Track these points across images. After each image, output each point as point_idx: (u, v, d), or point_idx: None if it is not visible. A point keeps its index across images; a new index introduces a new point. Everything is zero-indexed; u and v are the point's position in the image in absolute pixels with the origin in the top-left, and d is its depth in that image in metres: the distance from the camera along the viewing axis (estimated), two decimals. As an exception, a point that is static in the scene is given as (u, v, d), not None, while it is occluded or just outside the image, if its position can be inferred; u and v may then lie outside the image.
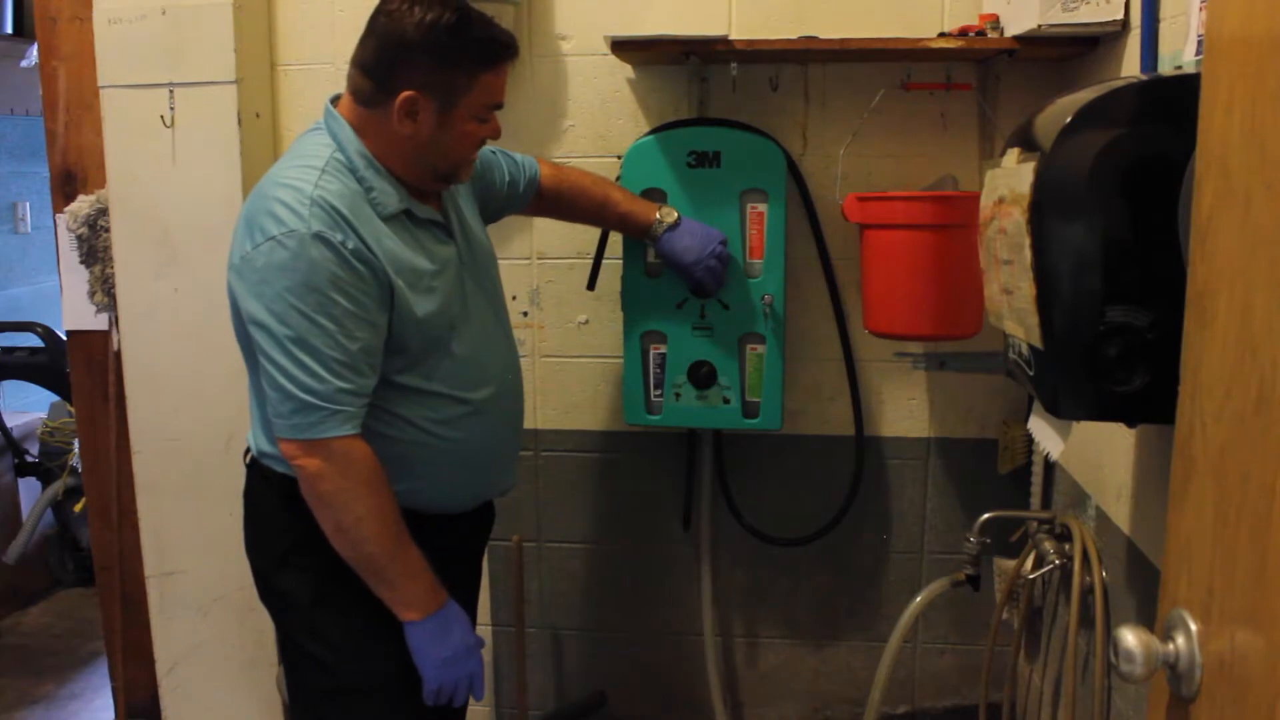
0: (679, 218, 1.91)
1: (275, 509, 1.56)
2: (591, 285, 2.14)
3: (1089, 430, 1.68)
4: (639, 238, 1.95)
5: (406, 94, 1.44)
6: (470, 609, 1.79)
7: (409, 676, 1.52)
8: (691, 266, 1.90)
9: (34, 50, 3.03)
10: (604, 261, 2.14)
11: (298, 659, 1.59)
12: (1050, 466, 1.99)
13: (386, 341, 1.46)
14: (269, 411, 1.44)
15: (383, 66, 1.46)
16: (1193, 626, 0.84)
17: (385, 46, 1.45)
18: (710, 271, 1.91)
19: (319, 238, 1.38)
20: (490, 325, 1.64)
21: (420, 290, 1.48)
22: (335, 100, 1.55)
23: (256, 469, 1.59)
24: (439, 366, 1.53)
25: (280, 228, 1.38)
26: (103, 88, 2.13)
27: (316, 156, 1.46)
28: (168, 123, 2.12)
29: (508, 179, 1.81)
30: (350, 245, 1.40)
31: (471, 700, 1.59)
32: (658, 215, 1.90)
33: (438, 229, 1.56)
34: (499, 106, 1.55)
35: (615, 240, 2.07)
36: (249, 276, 1.41)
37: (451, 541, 1.64)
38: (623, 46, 1.95)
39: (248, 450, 1.63)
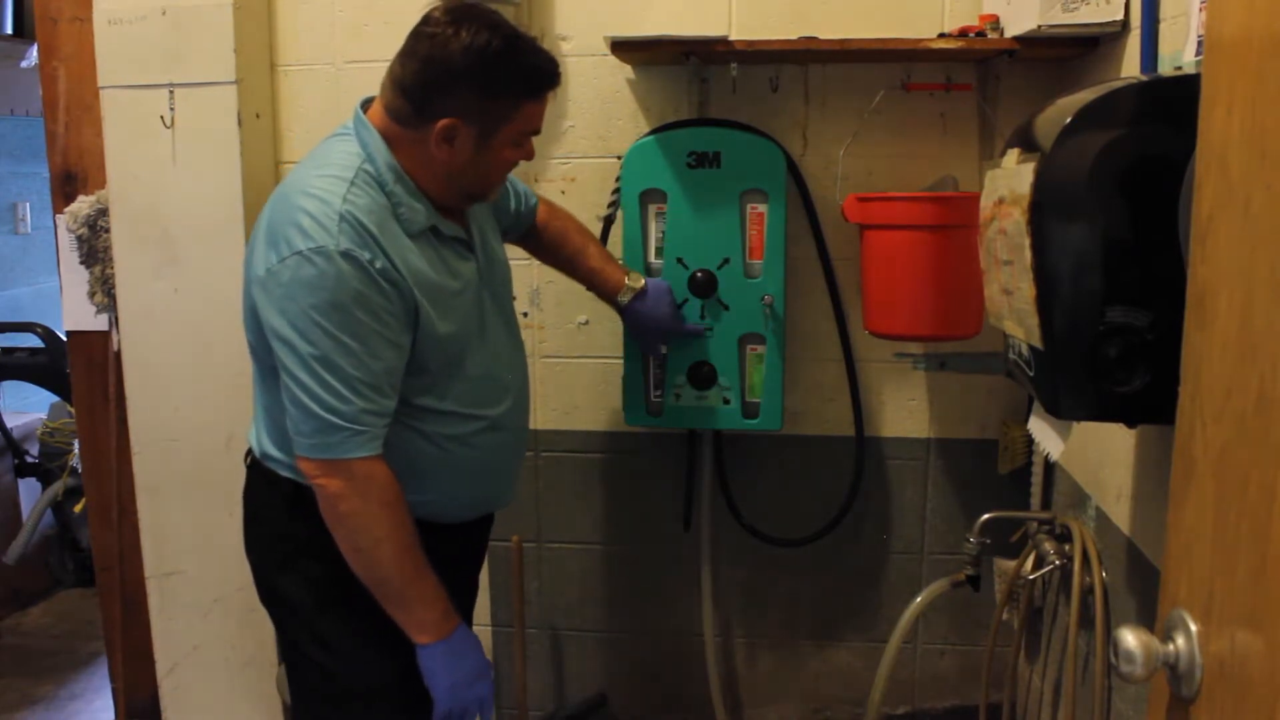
0: (645, 284, 1.88)
1: (278, 512, 1.55)
2: None
3: (1089, 430, 1.68)
4: (604, 298, 1.91)
5: (446, 122, 1.41)
6: (466, 617, 1.78)
7: (411, 681, 1.51)
8: (672, 333, 1.95)
9: (34, 51, 3.03)
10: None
11: (299, 662, 1.59)
12: (1050, 467, 1.99)
13: (408, 362, 1.44)
14: (289, 428, 1.42)
15: (423, 90, 1.41)
16: (1193, 627, 0.84)
17: (428, 70, 1.40)
18: (684, 330, 1.97)
19: (347, 255, 1.35)
20: (504, 339, 1.64)
21: (443, 309, 1.47)
22: (365, 105, 1.50)
23: (259, 471, 1.58)
24: (453, 386, 1.52)
25: (308, 243, 1.35)
26: (103, 88, 2.13)
27: (345, 167, 1.43)
28: (168, 123, 2.12)
29: (512, 207, 1.79)
30: (378, 265, 1.37)
31: None
32: (626, 280, 1.87)
33: (461, 245, 1.54)
34: (537, 133, 1.52)
35: (615, 241, 2.07)
36: (274, 291, 1.37)
37: (452, 551, 1.63)
38: (623, 47, 1.95)
39: (249, 451, 1.62)
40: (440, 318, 1.46)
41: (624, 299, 1.87)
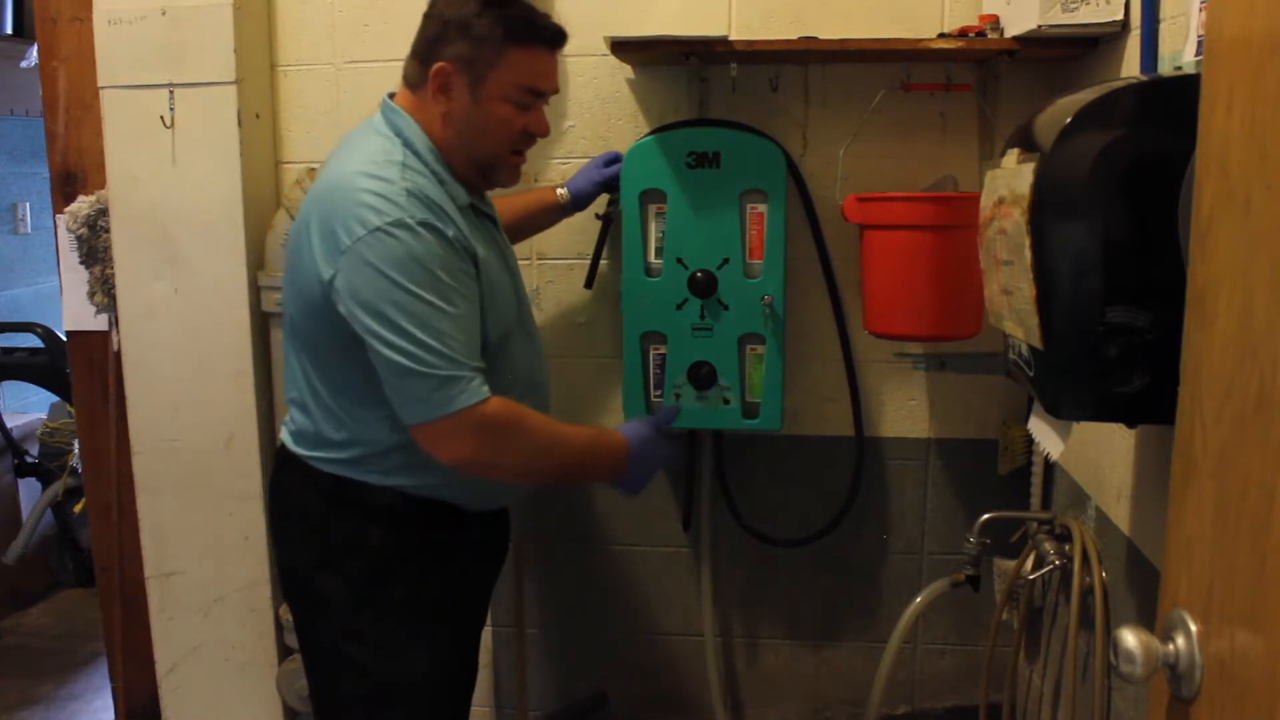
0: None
1: (317, 508, 1.53)
2: (589, 284, 2.13)
3: (1089, 430, 1.68)
4: (551, 212, 2.01)
5: (438, 66, 1.47)
6: (482, 618, 1.77)
7: (446, 676, 1.51)
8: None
9: (34, 50, 3.04)
10: (604, 262, 2.13)
11: (332, 661, 1.56)
12: (1050, 467, 1.99)
13: None
14: (396, 405, 1.41)
15: (425, 45, 1.50)
16: (1193, 627, 0.84)
17: (428, 26, 1.51)
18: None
19: (426, 225, 1.39)
20: (530, 325, 1.67)
21: (491, 280, 1.51)
22: (391, 97, 1.56)
23: (297, 466, 1.55)
24: (504, 361, 1.54)
25: (383, 218, 1.37)
26: (103, 88, 2.13)
27: (389, 152, 1.46)
28: (168, 123, 2.12)
29: None
30: (451, 233, 1.42)
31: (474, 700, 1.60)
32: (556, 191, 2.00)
33: (491, 224, 1.60)
34: (540, 94, 1.54)
35: (614, 241, 2.07)
36: (359, 271, 1.37)
37: (473, 540, 1.63)
38: (623, 47, 1.95)
39: (280, 448, 1.60)
40: (489, 287, 1.49)
41: (563, 196, 1.99)
